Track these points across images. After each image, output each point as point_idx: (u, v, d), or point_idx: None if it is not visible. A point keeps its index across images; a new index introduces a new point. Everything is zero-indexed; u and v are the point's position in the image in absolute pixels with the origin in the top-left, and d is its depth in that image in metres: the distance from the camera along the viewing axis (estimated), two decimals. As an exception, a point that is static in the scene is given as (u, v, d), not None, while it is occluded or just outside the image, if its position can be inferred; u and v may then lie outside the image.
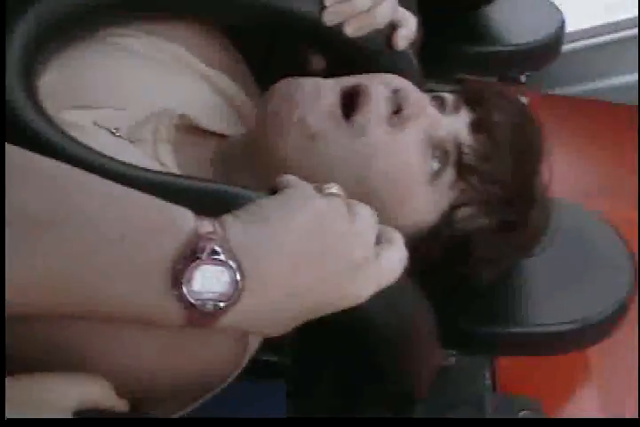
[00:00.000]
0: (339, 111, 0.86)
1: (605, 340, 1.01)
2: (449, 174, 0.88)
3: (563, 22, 1.58)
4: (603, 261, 1.03)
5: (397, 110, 0.86)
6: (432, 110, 0.89)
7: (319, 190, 0.67)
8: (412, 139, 0.86)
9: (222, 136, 0.96)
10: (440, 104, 0.92)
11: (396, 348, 0.76)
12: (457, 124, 0.90)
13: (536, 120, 0.95)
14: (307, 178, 0.71)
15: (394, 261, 0.68)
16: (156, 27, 0.98)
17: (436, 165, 0.88)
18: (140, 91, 0.92)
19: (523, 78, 1.80)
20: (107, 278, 0.57)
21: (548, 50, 1.56)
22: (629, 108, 2.20)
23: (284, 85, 0.89)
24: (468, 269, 0.91)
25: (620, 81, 2.24)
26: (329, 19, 0.96)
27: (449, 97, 0.93)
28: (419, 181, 0.87)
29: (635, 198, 1.92)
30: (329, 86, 0.87)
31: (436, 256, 0.89)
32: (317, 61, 1.09)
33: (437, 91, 0.95)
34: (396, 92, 0.88)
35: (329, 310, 0.66)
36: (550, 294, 0.99)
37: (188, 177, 0.76)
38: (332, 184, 0.69)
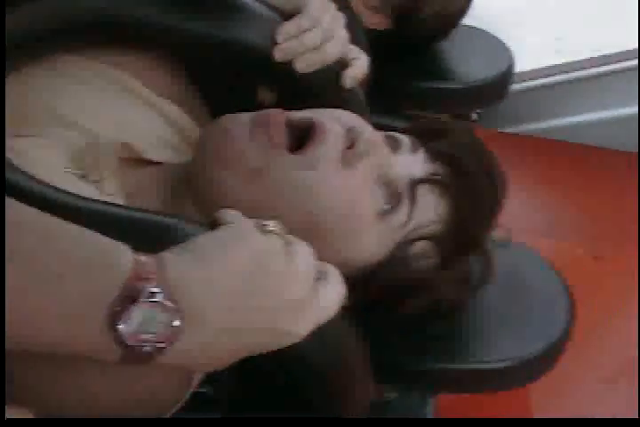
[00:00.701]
0: (284, 144, 0.85)
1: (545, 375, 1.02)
2: (400, 214, 0.88)
3: (512, 61, 1.60)
4: (541, 300, 1.03)
5: (350, 147, 0.86)
6: (384, 149, 0.89)
7: (259, 227, 0.67)
8: (362, 177, 0.86)
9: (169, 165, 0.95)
10: (394, 143, 0.91)
11: (328, 384, 0.76)
12: (412, 165, 0.90)
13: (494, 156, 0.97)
14: (252, 210, 0.72)
15: (331, 298, 0.68)
16: (104, 54, 0.98)
17: (386, 205, 0.88)
18: (85, 118, 0.92)
19: (474, 115, 1.83)
20: (44, 317, 0.57)
21: (497, 88, 1.58)
22: (581, 148, 2.23)
23: (223, 120, 0.88)
24: (411, 306, 0.91)
25: (571, 121, 2.27)
26: (280, 55, 0.96)
27: (404, 138, 0.93)
28: (367, 220, 0.86)
29: (581, 237, 1.94)
30: (272, 119, 0.87)
31: (380, 293, 0.89)
32: (267, 95, 1.10)
33: (392, 127, 0.95)
34: (349, 129, 0.88)
35: (267, 348, 0.67)
36: (489, 331, 0.99)
37: (129, 207, 0.75)
38: (272, 221, 0.69)
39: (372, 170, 0.87)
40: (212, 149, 0.86)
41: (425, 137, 0.94)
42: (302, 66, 0.96)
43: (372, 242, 0.88)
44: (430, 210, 0.90)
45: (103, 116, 0.93)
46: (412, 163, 0.90)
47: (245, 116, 0.88)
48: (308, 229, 0.82)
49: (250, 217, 0.69)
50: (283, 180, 0.84)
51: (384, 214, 0.87)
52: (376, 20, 1.52)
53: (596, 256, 1.91)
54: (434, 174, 0.91)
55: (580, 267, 1.85)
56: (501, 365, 0.96)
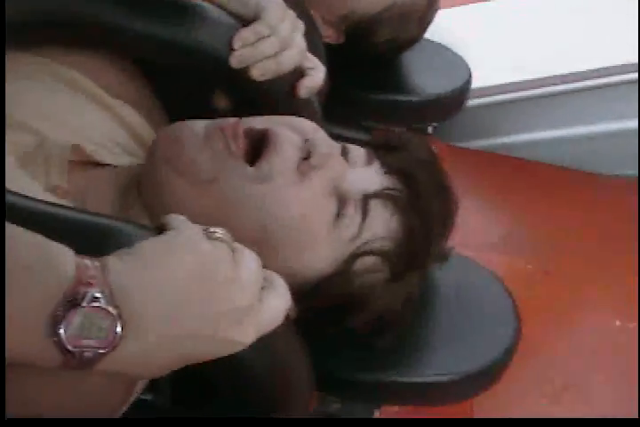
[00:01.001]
0: (241, 153, 0.85)
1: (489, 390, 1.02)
2: (352, 228, 0.88)
3: (469, 76, 1.61)
4: (487, 316, 1.04)
5: (305, 158, 0.86)
6: (339, 161, 0.89)
7: (205, 233, 0.67)
8: (317, 189, 0.86)
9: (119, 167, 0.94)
10: (349, 155, 0.91)
11: (267, 392, 0.76)
12: (365, 178, 0.90)
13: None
14: (203, 218, 0.71)
15: (276, 307, 0.68)
16: (58, 53, 0.97)
17: (338, 218, 0.87)
18: (35, 119, 0.90)
19: (429, 129, 1.83)
20: None
21: (453, 102, 1.59)
22: (535, 165, 2.25)
23: (173, 128, 0.88)
24: (357, 320, 0.90)
25: (527, 138, 2.28)
26: (235, 62, 0.95)
27: (360, 150, 0.92)
28: (319, 232, 0.86)
29: (532, 252, 1.96)
30: (230, 128, 0.86)
31: (327, 305, 0.89)
32: (222, 100, 1.09)
33: (349, 138, 0.95)
34: (307, 140, 0.87)
35: (209, 356, 0.66)
36: (433, 345, 1.00)
37: (74, 209, 0.75)
38: (219, 228, 0.68)
39: (326, 182, 0.87)
40: (164, 156, 0.86)
41: (382, 150, 0.94)
42: (257, 73, 0.96)
43: (322, 255, 0.87)
44: (381, 225, 0.90)
45: (54, 117, 0.92)
46: (365, 176, 0.90)
47: (200, 124, 0.87)
48: (259, 240, 0.82)
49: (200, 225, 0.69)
50: (236, 191, 0.84)
51: (335, 227, 0.87)
52: (329, 34, 1.52)
53: (547, 271, 1.93)
54: (387, 189, 0.90)
55: (531, 282, 1.87)
56: (444, 378, 0.96)
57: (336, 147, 0.90)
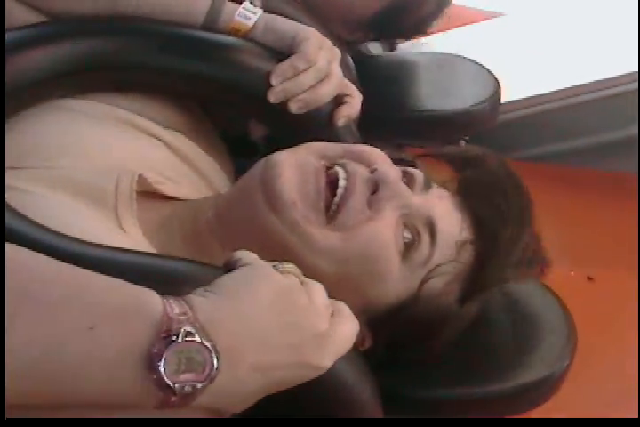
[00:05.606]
0: (322, 205, 0.86)
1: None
2: (422, 253, 0.88)
3: (498, 88, 1.61)
4: (542, 326, 1.04)
5: (374, 192, 0.87)
6: (405, 189, 0.89)
7: (276, 268, 0.69)
8: (389, 220, 0.87)
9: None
10: (410, 180, 0.92)
11: (335, 414, 0.77)
12: (427, 201, 0.91)
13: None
14: (287, 255, 0.75)
15: (348, 331, 0.71)
16: (102, 93, 0.99)
17: (408, 244, 0.88)
18: (96, 151, 0.92)
19: (462, 143, 1.83)
20: (79, 370, 0.58)
21: (482, 116, 1.58)
22: (573, 171, 2.24)
23: (275, 164, 0.87)
24: (433, 343, 0.91)
25: (562, 146, 2.27)
26: (274, 98, 0.96)
27: (419, 175, 0.93)
28: (394, 260, 0.87)
29: (573, 259, 1.95)
30: (315, 174, 0.87)
31: (403, 331, 0.89)
32: (258, 127, 1.11)
33: (403, 159, 0.95)
34: (373, 172, 0.88)
35: (294, 382, 0.68)
36: (491, 357, 1.00)
37: (147, 253, 0.77)
38: (286, 262, 0.71)
39: (396, 211, 0.87)
40: (264, 191, 0.86)
41: (458, 164, 0.97)
42: (296, 107, 0.97)
43: (396, 282, 0.88)
44: (450, 246, 0.90)
45: (114, 149, 0.94)
46: (427, 199, 0.91)
47: (303, 165, 0.87)
48: (338, 275, 0.84)
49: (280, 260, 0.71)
50: (318, 237, 0.85)
51: (408, 254, 0.88)
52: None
53: (590, 277, 1.92)
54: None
55: (574, 288, 1.85)
56: (505, 390, 0.96)
57: (399, 173, 0.91)
